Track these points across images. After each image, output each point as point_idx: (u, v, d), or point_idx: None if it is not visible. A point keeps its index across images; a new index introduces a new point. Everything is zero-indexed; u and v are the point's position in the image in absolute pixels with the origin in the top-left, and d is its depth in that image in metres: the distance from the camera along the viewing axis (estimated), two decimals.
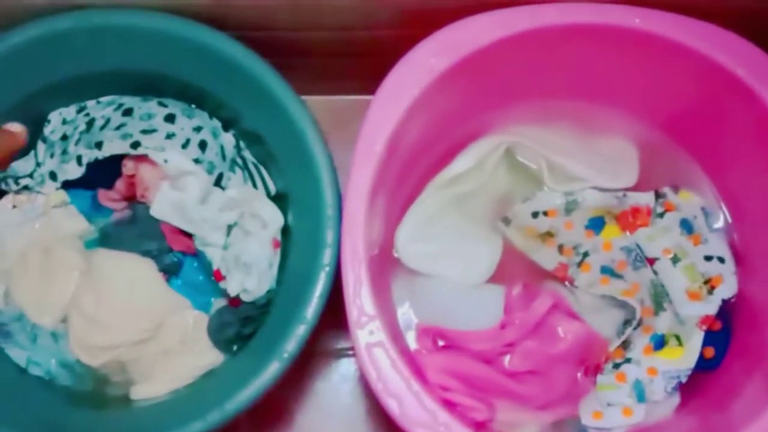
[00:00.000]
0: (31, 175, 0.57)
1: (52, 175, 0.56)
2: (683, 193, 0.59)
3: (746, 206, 0.58)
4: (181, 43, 0.53)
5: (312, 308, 0.49)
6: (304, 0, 0.52)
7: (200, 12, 0.53)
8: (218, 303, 0.57)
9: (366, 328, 0.47)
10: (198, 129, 0.56)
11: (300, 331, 0.49)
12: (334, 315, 0.50)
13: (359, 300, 0.47)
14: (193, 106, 0.58)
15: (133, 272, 0.56)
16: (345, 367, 0.66)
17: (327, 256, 0.49)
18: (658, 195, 0.58)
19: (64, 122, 0.57)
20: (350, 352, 0.65)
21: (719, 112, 0.55)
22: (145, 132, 0.55)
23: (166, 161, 0.54)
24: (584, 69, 0.56)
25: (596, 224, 0.59)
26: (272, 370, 0.49)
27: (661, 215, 0.58)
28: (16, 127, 0.39)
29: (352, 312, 0.47)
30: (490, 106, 0.58)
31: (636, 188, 0.59)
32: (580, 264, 0.58)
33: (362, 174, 0.49)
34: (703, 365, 0.56)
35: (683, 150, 0.60)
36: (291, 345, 0.49)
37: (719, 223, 0.59)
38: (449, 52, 0.50)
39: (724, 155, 0.58)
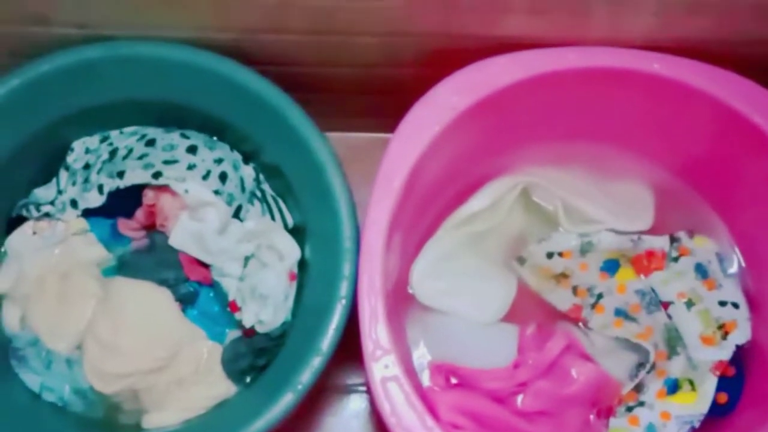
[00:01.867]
0: (52, 203, 0.58)
1: (73, 203, 0.57)
2: (698, 238, 0.59)
3: (761, 252, 0.58)
4: (205, 76, 0.54)
5: (328, 340, 0.49)
6: (329, 36, 0.53)
7: (226, 46, 0.54)
8: (233, 334, 0.57)
9: (381, 361, 0.47)
10: (219, 161, 0.57)
11: (315, 363, 0.49)
12: (345, 350, 0.50)
13: (375, 333, 0.47)
14: (215, 138, 0.59)
15: (149, 301, 0.56)
16: (355, 403, 0.65)
17: (344, 289, 0.50)
18: (673, 239, 0.59)
19: (87, 151, 0.58)
20: (361, 388, 0.65)
21: (735, 159, 0.56)
22: (167, 162, 0.55)
23: (186, 191, 0.55)
24: (602, 112, 0.57)
25: (611, 267, 0.59)
26: (286, 401, 0.49)
27: (676, 259, 0.58)
28: None
29: (368, 345, 0.47)
30: (507, 146, 0.59)
31: (651, 232, 0.59)
32: (594, 306, 0.58)
33: (380, 208, 0.49)
34: (717, 411, 0.55)
35: (698, 195, 0.60)
36: (306, 376, 0.49)
37: (733, 269, 0.59)
38: (470, 92, 0.51)
39: (739, 201, 0.58)
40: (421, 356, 0.57)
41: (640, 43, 0.52)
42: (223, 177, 0.56)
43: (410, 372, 0.54)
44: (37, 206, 0.57)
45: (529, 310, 0.59)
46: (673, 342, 0.57)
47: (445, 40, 0.53)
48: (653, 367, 0.56)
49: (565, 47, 0.52)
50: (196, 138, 0.57)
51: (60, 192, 0.58)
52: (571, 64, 0.52)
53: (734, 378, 0.56)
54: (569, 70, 0.51)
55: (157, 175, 0.55)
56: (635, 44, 0.52)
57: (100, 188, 0.56)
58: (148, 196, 0.56)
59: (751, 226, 0.58)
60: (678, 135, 0.57)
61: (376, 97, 0.60)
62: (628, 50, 0.52)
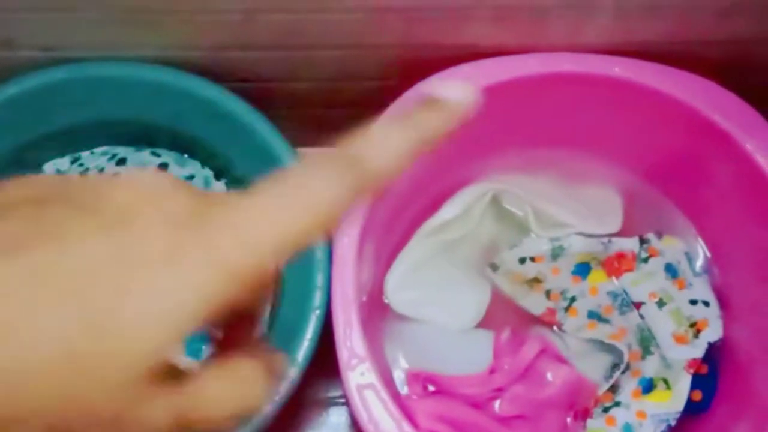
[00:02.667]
0: None
1: None
2: (667, 238, 0.60)
3: (729, 251, 0.59)
4: (174, 95, 0.55)
5: (303, 351, 0.49)
6: (294, 51, 0.54)
7: (193, 63, 0.54)
8: (209, 349, 0.57)
9: (357, 369, 0.47)
10: (190, 177, 0.57)
11: (291, 374, 0.49)
12: (323, 363, 0.51)
13: (350, 341, 0.47)
14: (186, 155, 0.59)
15: None
16: (336, 416, 0.65)
17: (317, 299, 0.50)
18: (642, 241, 0.60)
19: (58, 173, 0.58)
20: (341, 400, 0.65)
21: (699, 159, 0.57)
22: None
23: None
24: (567, 118, 0.58)
25: (582, 270, 0.60)
26: (263, 413, 0.49)
27: (646, 260, 0.59)
28: None
29: (343, 354, 0.47)
30: (476, 154, 0.59)
31: (620, 234, 0.60)
32: (567, 309, 0.59)
33: (351, 219, 0.50)
34: (692, 408, 0.56)
35: (666, 197, 0.61)
36: (282, 388, 0.49)
37: (703, 268, 0.60)
38: None
39: (706, 202, 0.59)
40: (398, 362, 0.57)
41: (601, 48, 0.53)
42: None
43: (388, 381, 0.54)
44: None
45: (504, 316, 0.59)
46: (647, 342, 0.58)
47: (410, 50, 0.53)
48: (628, 367, 0.57)
49: (527, 54, 0.52)
50: (167, 156, 0.58)
51: None
52: (534, 70, 0.52)
53: (708, 375, 0.57)
54: (532, 77, 0.52)
55: None
56: (596, 49, 0.53)
57: None
58: None
59: (718, 225, 0.59)
60: (642, 138, 0.58)
61: (344, 110, 0.60)
62: (589, 55, 0.53)
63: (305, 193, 0.24)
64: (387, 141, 0.26)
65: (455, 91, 0.28)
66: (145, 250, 0.22)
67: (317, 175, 0.24)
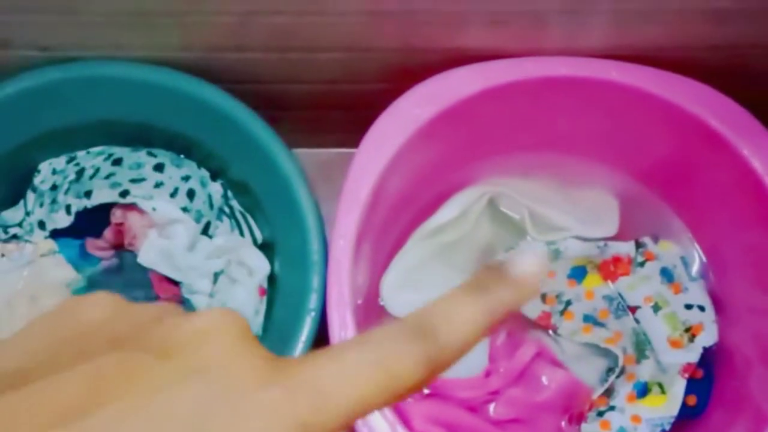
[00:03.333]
0: (20, 225, 0.58)
1: (41, 224, 0.57)
2: (663, 242, 0.60)
3: (724, 256, 0.59)
4: (171, 95, 0.54)
5: (298, 353, 0.49)
6: (291, 53, 0.54)
7: (190, 64, 0.54)
8: None
9: None
10: (186, 178, 0.57)
11: None
12: None
13: None
14: (182, 156, 0.59)
15: None
16: None
17: (313, 301, 0.50)
18: (639, 244, 0.59)
19: (54, 172, 0.58)
20: None
21: (695, 163, 0.57)
22: (134, 181, 0.55)
23: (154, 209, 0.55)
24: (564, 121, 0.58)
25: (578, 273, 0.60)
26: None
27: (642, 264, 0.59)
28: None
29: None
30: (472, 157, 0.59)
31: (617, 238, 0.60)
32: (563, 312, 0.59)
33: (347, 221, 0.50)
34: (687, 413, 0.56)
35: (662, 201, 0.61)
36: None
37: (698, 273, 0.60)
38: (432, 103, 0.52)
39: (702, 206, 0.59)
40: None
41: (598, 52, 0.53)
42: (190, 194, 0.56)
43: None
44: (5, 228, 0.57)
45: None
46: (642, 346, 0.58)
47: (406, 53, 0.53)
48: (623, 371, 0.57)
49: (524, 57, 0.52)
50: (163, 156, 0.58)
51: (28, 214, 0.58)
52: (530, 73, 0.52)
53: (703, 380, 0.57)
54: (529, 80, 0.52)
55: (124, 193, 0.55)
56: (593, 53, 0.53)
57: (68, 209, 0.56)
58: (116, 215, 0.57)
59: (714, 230, 0.59)
60: (639, 141, 0.58)
61: (341, 112, 0.61)
62: (586, 59, 0.53)
63: (379, 364, 0.22)
64: (461, 315, 0.25)
65: (531, 265, 0.26)
66: (222, 401, 0.21)
67: (396, 346, 0.23)
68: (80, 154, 0.59)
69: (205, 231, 0.57)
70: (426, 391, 0.56)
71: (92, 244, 0.58)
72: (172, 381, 0.22)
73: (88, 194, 0.55)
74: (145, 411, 0.21)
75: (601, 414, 0.56)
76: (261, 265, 0.56)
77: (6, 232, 0.57)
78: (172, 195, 0.56)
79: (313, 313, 0.50)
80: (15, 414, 0.21)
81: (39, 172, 0.58)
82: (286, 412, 0.21)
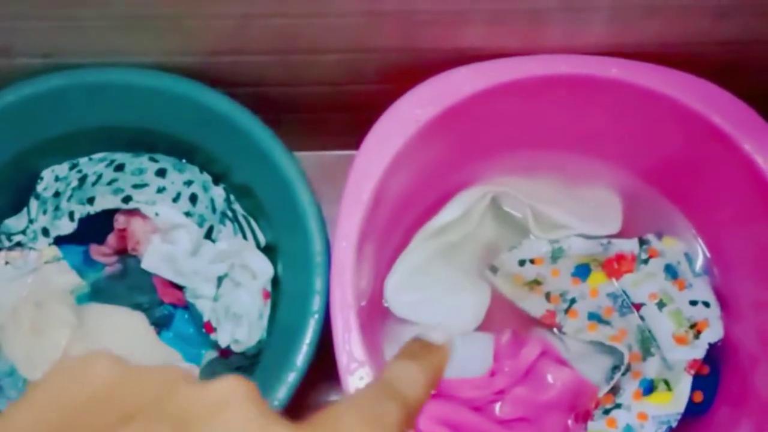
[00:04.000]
0: (23, 232, 0.58)
1: (45, 231, 0.57)
2: (666, 239, 0.60)
3: (728, 252, 0.59)
4: (172, 100, 0.55)
5: (302, 356, 0.49)
6: (292, 56, 0.54)
7: (191, 69, 0.54)
8: (209, 355, 0.57)
9: (356, 374, 0.47)
10: (189, 183, 0.57)
11: (290, 379, 0.49)
12: (323, 367, 0.51)
13: (349, 346, 0.47)
14: (184, 160, 0.59)
15: (124, 326, 0.57)
16: None
17: (316, 303, 0.50)
18: (642, 242, 0.59)
19: (57, 179, 0.58)
20: None
21: (699, 161, 0.56)
22: (136, 186, 0.56)
23: (157, 214, 0.55)
24: (566, 120, 0.57)
25: (582, 271, 0.60)
26: None
27: (646, 261, 0.59)
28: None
29: (342, 358, 0.47)
30: (475, 156, 0.59)
31: (620, 235, 0.60)
32: (567, 311, 0.59)
33: (350, 222, 0.50)
34: (693, 410, 0.56)
35: (665, 198, 0.61)
36: (281, 393, 0.49)
37: (703, 269, 0.60)
38: (433, 103, 0.52)
39: (705, 202, 0.59)
40: None
41: (598, 50, 0.53)
42: (193, 199, 0.56)
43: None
44: (9, 236, 0.58)
45: (504, 318, 0.59)
46: (647, 343, 0.57)
47: (407, 54, 0.53)
48: (628, 368, 0.57)
49: (524, 56, 0.52)
50: (165, 161, 0.58)
51: (31, 221, 0.58)
52: (531, 72, 0.52)
53: (709, 376, 0.57)
54: (530, 79, 0.52)
55: (127, 199, 0.55)
56: (594, 50, 0.53)
57: (71, 215, 0.56)
58: (119, 221, 0.57)
59: (718, 226, 0.59)
60: (641, 138, 0.58)
61: (342, 114, 0.61)
62: (586, 56, 0.53)
63: (378, 420, 0.26)
64: (415, 378, 0.30)
65: (439, 337, 0.34)
66: None
67: (384, 405, 0.27)
68: (82, 160, 0.59)
69: (208, 235, 0.57)
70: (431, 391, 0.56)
71: (96, 250, 0.58)
72: None
73: (90, 200, 0.55)
74: None
75: (607, 412, 0.56)
76: (264, 269, 0.56)
77: (10, 240, 0.57)
78: (175, 200, 0.56)
79: (316, 316, 0.50)
80: None
81: (42, 179, 0.58)
82: None
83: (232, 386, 0.24)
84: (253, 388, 0.25)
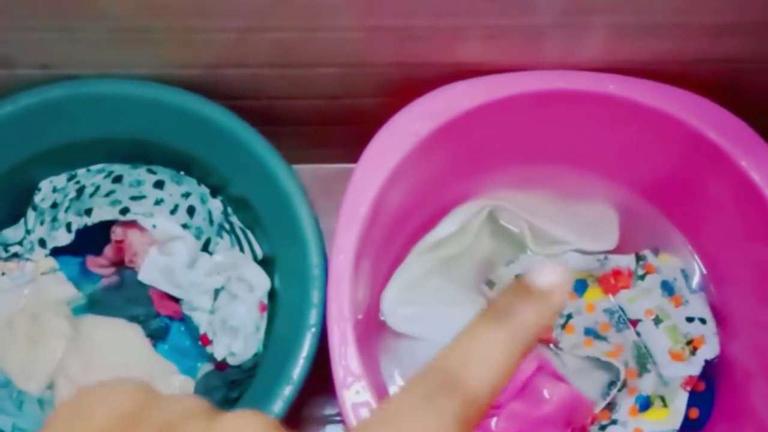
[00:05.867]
0: (20, 243, 0.58)
1: (42, 242, 0.57)
2: (663, 255, 0.60)
3: (724, 268, 0.59)
4: (170, 112, 0.55)
5: (298, 369, 0.49)
6: (290, 69, 0.54)
7: (190, 81, 0.54)
8: (205, 368, 0.57)
9: (352, 388, 0.47)
10: (186, 195, 0.57)
11: (286, 392, 0.49)
12: (319, 381, 0.51)
13: (345, 360, 0.47)
14: (182, 172, 0.59)
15: (120, 338, 0.56)
16: None
17: (313, 317, 0.50)
18: (639, 257, 0.59)
19: (55, 190, 0.58)
20: (337, 419, 0.65)
21: (694, 175, 0.57)
22: (134, 198, 0.56)
23: (154, 226, 0.55)
24: (563, 135, 0.58)
25: (579, 287, 0.60)
26: None
27: (642, 277, 0.59)
28: None
29: (338, 372, 0.47)
30: (472, 171, 0.60)
31: (617, 251, 0.60)
32: (564, 326, 0.59)
33: (347, 236, 0.50)
34: (689, 426, 0.56)
35: (662, 214, 0.61)
36: (277, 406, 0.49)
37: (699, 285, 0.60)
38: (431, 118, 0.52)
39: (702, 218, 0.59)
40: (395, 383, 0.57)
41: (595, 66, 0.53)
42: (191, 211, 0.56)
43: (384, 399, 0.54)
44: (5, 247, 0.58)
45: None
46: (643, 359, 0.57)
47: (405, 68, 0.54)
48: (624, 384, 0.57)
49: (521, 72, 0.53)
50: (163, 173, 0.58)
51: (28, 232, 0.58)
52: (528, 87, 0.53)
53: (705, 393, 0.57)
54: (527, 94, 0.52)
55: (124, 211, 0.55)
56: (591, 66, 0.53)
57: (68, 226, 0.56)
58: (117, 233, 0.57)
59: (714, 242, 0.59)
60: (638, 155, 0.58)
61: (340, 127, 0.61)
62: (583, 72, 0.53)
63: None
64: (490, 354, 0.22)
65: (552, 277, 0.24)
66: None
67: (422, 418, 0.21)
68: (80, 171, 0.59)
69: (206, 247, 0.57)
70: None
71: (93, 262, 0.58)
72: None
73: (88, 212, 0.55)
74: None
75: (603, 428, 0.56)
76: (261, 281, 0.56)
77: (6, 251, 0.57)
78: (173, 212, 0.56)
79: (313, 329, 0.50)
80: None
81: (39, 190, 0.58)
82: None
83: (250, 421, 0.22)
84: (271, 421, 0.22)
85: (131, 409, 0.23)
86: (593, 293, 0.59)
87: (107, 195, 0.56)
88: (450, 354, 0.23)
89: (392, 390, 0.56)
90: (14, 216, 0.59)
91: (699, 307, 0.58)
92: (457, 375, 0.22)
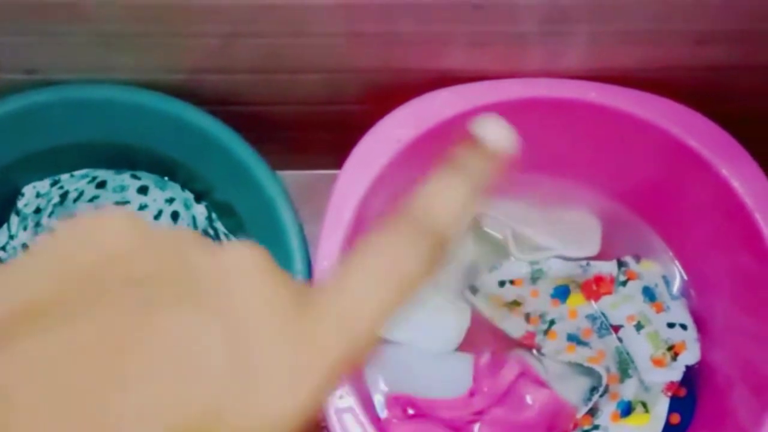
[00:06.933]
0: (3, 248, 0.58)
1: (25, 248, 0.57)
2: (644, 262, 0.60)
3: (705, 275, 0.59)
4: (155, 117, 0.55)
5: None
6: (274, 75, 0.54)
7: (174, 86, 0.54)
8: None
9: (336, 393, 0.47)
10: (170, 200, 0.57)
11: None
12: None
13: None
14: (166, 178, 0.59)
15: None
16: None
17: None
18: (621, 264, 0.60)
19: (38, 195, 0.58)
20: (322, 424, 0.65)
21: (676, 184, 0.57)
22: (118, 203, 0.56)
23: None
24: (546, 142, 0.57)
25: (561, 293, 0.60)
26: None
27: (624, 283, 0.59)
28: None
29: None
30: None
31: (599, 257, 0.60)
32: (546, 332, 0.59)
33: (331, 242, 0.50)
34: (670, 431, 0.56)
35: (643, 221, 0.62)
36: None
37: (680, 291, 0.60)
38: (415, 125, 0.52)
39: (683, 225, 0.59)
40: (377, 385, 0.57)
41: (578, 74, 0.53)
42: (174, 216, 0.56)
43: (367, 404, 0.54)
44: None
45: (483, 339, 0.59)
46: (625, 365, 0.58)
47: (389, 75, 0.54)
48: (606, 390, 0.57)
49: (505, 79, 0.53)
50: (147, 178, 0.58)
51: (11, 237, 0.58)
52: (512, 95, 0.53)
53: (686, 398, 0.57)
54: (510, 101, 0.53)
55: None
56: (574, 74, 0.53)
57: None
58: None
59: (695, 249, 0.59)
60: (620, 162, 0.58)
61: (325, 133, 0.61)
62: (566, 80, 0.53)
63: (392, 270, 0.24)
64: (455, 198, 0.27)
65: (498, 132, 0.30)
66: (250, 332, 0.22)
67: (398, 249, 0.25)
68: (64, 177, 0.59)
69: None
70: (411, 411, 0.56)
71: None
72: (201, 329, 0.21)
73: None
74: (173, 363, 0.21)
75: None
76: None
77: None
78: (156, 217, 0.56)
79: None
80: (36, 361, 0.20)
81: (23, 195, 0.58)
82: (315, 350, 0.22)
83: (243, 253, 0.23)
84: (265, 254, 0.24)
85: (123, 248, 0.23)
86: (575, 299, 0.60)
87: (91, 200, 0.56)
88: (425, 200, 0.27)
89: (376, 397, 0.57)
90: None
91: (680, 313, 0.59)
92: (432, 218, 0.26)
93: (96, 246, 0.23)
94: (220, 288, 0.22)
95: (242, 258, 0.23)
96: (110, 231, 0.23)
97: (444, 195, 0.27)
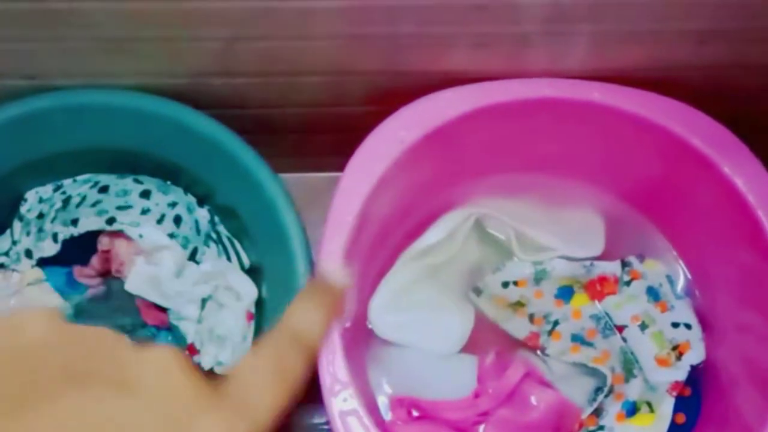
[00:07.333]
0: (6, 254, 0.57)
1: (28, 253, 0.57)
2: (648, 261, 0.60)
3: (709, 274, 0.59)
4: (157, 122, 0.55)
5: None
6: (276, 78, 0.54)
7: (176, 91, 0.54)
8: None
9: (340, 396, 0.47)
10: (173, 204, 0.57)
11: None
12: (307, 389, 0.50)
13: (332, 367, 0.47)
14: (169, 182, 0.59)
15: None
16: None
17: None
18: (624, 264, 0.60)
19: (41, 200, 0.58)
20: (325, 427, 0.65)
21: (680, 183, 0.57)
22: (120, 208, 0.55)
23: (141, 236, 0.55)
24: (549, 142, 0.58)
25: (565, 293, 0.60)
26: None
27: (628, 283, 0.59)
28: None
29: (326, 379, 0.47)
30: (458, 178, 0.60)
31: (603, 257, 0.60)
32: (550, 332, 0.59)
33: (334, 243, 0.50)
34: (675, 431, 0.56)
35: (647, 220, 0.62)
36: None
37: (684, 291, 0.60)
38: (417, 126, 0.52)
39: (687, 225, 0.59)
40: (382, 387, 0.57)
41: (581, 74, 0.53)
42: (177, 220, 0.56)
43: (371, 407, 0.54)
44: None
45: (488, 340, 0.59)
46: (630, 365, 0.58)
47: (391, 76, 0.54)
48: (611, 390, 0.57)
49: (508, 79, 0.53)
50: (150, 183, 0.58)
51: (14, 243, 0.58)
52: (515, 95, 0.53)
53: (691, 398, 0.57)
54: (513, 102, 0.53)
55: (110, 221, 0.55)
56: (577, 74, 0.53)
57: (55, 237, 0.56)
58: (103, 243, 0.56)
59: (699, 248, 0.59)
60: (622, 161, 0.58)
61: (327, 136, 0.61)
62: (569, 80, 0.53)
63: (280, 370, 0.33)
64: (318, 319, 0.39)
65: (337, 274, 0.43)
66: (179, 410, 0.27)
67: (288, 355, 0.34)
68: (66, 182, 0.59)
69: (193, 257, 0.57)
70: (415, 413, 0.56)
71: (79, 272, 0.58)
72: (139, 418, 0.25)
73: (74, 222, 0.55)
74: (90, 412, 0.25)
75: None
76: (248, 290, 0.56)
77: None
78: (159, 221, 0.56)
79: None
80: None
81: (26, 200, 0.58)
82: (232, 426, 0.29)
83: (167, 355, 0.28)
84: (186, 356, 0.29)
85: (43, 337, 0.27)
86: (579, 299, 0.60)
87: (93, 205, 0.56)
88: (287, 323, 0.38)
89: (380, 399, 0.57)
90: (0, 227, 0.59)
91: (684, 312, 0.58)
92: (298, 334, 0.38)
93: (20, 335, 0.27)
94: (144, 375, 0.27)
95: (163, 353, 0.28)
96: (30, 325, 0.27)
97: (311, 318, 0.38)
